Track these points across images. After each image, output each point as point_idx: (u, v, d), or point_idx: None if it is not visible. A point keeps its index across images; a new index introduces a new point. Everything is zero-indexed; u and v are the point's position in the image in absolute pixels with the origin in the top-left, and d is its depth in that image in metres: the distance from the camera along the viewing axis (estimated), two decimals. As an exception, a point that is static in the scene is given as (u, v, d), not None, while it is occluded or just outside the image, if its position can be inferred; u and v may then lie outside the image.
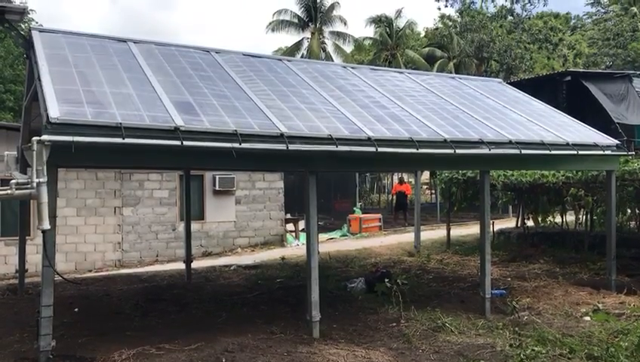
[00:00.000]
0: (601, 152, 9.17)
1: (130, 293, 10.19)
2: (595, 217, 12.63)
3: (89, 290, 10.49)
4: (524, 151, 8.21)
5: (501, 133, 8.41)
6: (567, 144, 8.79)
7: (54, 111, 5.53)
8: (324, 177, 22.03)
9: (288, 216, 18.76)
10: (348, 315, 8.08)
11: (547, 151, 8.48)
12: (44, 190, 5.35)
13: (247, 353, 6.09)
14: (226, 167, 13.68)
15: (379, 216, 22.08)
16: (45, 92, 5.93)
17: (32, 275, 11.39)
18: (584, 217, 12.99)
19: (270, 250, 16.63)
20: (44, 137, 5.29)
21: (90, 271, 14.34)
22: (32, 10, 30.50)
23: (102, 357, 6.13)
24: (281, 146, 6.46)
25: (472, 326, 7.41)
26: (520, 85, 14.02)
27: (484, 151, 7.89)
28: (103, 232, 15.09)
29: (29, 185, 5.40)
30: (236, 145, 6.17)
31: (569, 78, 16.68)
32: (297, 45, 42.48)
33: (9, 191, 5.54)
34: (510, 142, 8.20)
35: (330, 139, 6.81)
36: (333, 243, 17.18)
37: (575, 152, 8.75)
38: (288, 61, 9.92)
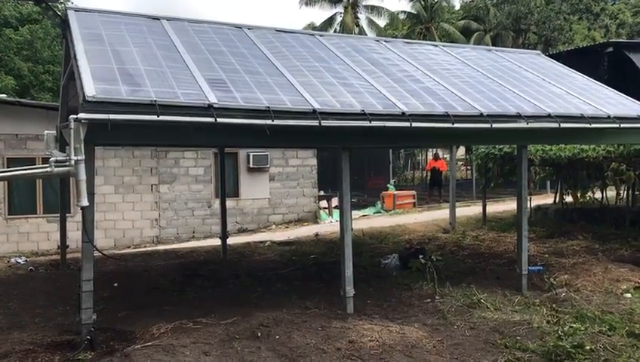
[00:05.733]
0: (644, 125, 8.84)
1: (167, 269, 10.40)
2: (637, 192, 12.28)
3: (128, 266, 10.75)
4: (563, 125, 7.96)
5: (539, 107, 8.18)
6: (609, 117, 8.50)
7: (90, 89, 5.59)
8: (358, 154, 21.94)
9: (321, 193, 18.79)
10: (382, 291, 8.08)
11: (587, 125, 8.21)
12: (82, 167, 5.44)
13: (282, 327, 6.15)
14: (259, 144, 13.68)
15: (413, 192, 21.94)
16: (81, 71, 5.99)
17: (73, 251, 11.69)
18: (625, 193, 12.64)
19: (304, 226, 16.74)
20: (81, 115, 5.36)
21: (128, 247, 14.70)
22: (67, -10, 30.86)
23: (141, 330, 6.28)
24: (314, 122, 6.40)
25: (508, 303, 7.32)
26: (559, 57, 13.56)
27: (522, 125, 7.69)
28: (140, 209, 15.42)
29: (67, 163, 5.50)
30: (269, 121, 6.14)
31: (611, 49, 16.05)
32: (330, 20, 42.02)
33: (48, 169, 5.65)
34: (549, 116, 7.97)
35: (363, 115, 6.72)
36: (367, 220, 17.16)
37: (617, 125, 8.45)
38: (320, 36, 9.81)
